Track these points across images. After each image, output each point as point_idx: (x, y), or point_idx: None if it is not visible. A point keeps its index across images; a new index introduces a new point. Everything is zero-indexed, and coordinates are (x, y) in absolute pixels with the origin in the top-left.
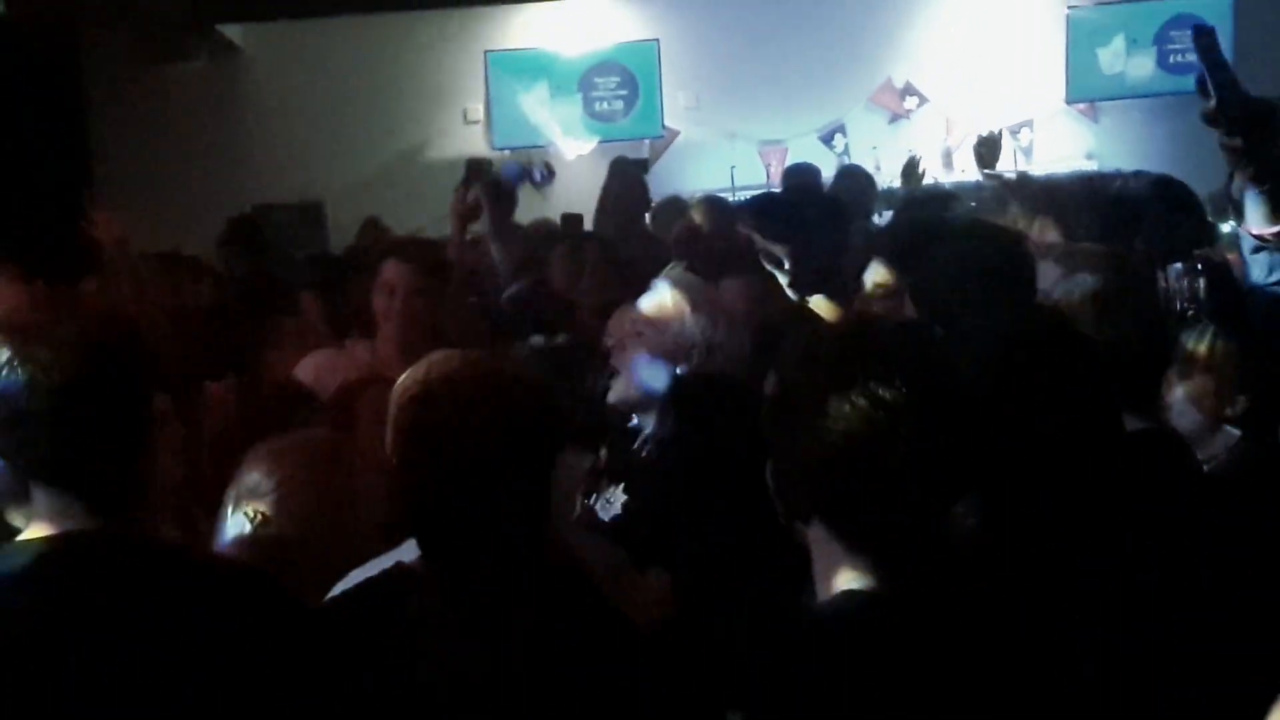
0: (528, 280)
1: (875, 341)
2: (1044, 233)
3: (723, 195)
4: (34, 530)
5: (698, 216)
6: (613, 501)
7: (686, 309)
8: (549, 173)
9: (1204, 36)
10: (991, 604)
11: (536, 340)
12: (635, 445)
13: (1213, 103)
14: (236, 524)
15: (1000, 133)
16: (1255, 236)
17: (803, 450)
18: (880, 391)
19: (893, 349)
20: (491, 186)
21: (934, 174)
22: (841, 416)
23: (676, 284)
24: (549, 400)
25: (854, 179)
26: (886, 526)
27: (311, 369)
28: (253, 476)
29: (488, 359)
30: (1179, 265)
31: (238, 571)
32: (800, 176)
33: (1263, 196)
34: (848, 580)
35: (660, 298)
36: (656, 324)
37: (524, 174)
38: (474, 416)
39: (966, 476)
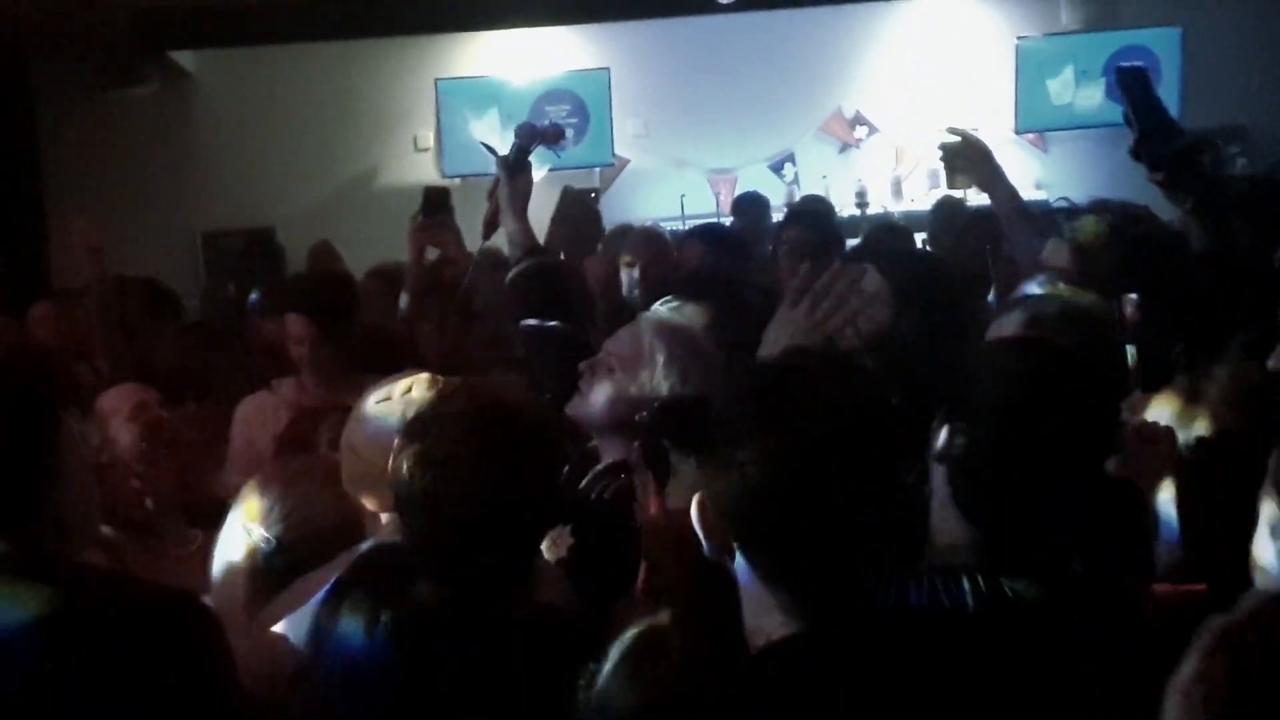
0: (532, 261)
1: (800, 380)
2: (1056, 257)
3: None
4: None
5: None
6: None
7: (661, 355)
8: (560, 131)
9: (1131, 77)
10: (937, 641)
11: (528, 324)
12: (584, 482)
13: (1134, 140)
14: (245, 547)
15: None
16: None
17: (725, 486)
18: (798, 431)
19: (818, 387)
20: (508, 159)
21: (883, 203)
22: (760, 454)
23: (659, 325)
24: (552, 433)
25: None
26: (808, 568)
27: (242, 417)
28: (262, 501)
29: (494, 388)
30: (1135, 296)
31: (151, 592)
32: (749, 206)
33: (1202, 228)
34: (778, 625)
35: (638, 335)
36: (626, 362)
37: (535, 135)
38: (484, 444)
39: (895, 516)
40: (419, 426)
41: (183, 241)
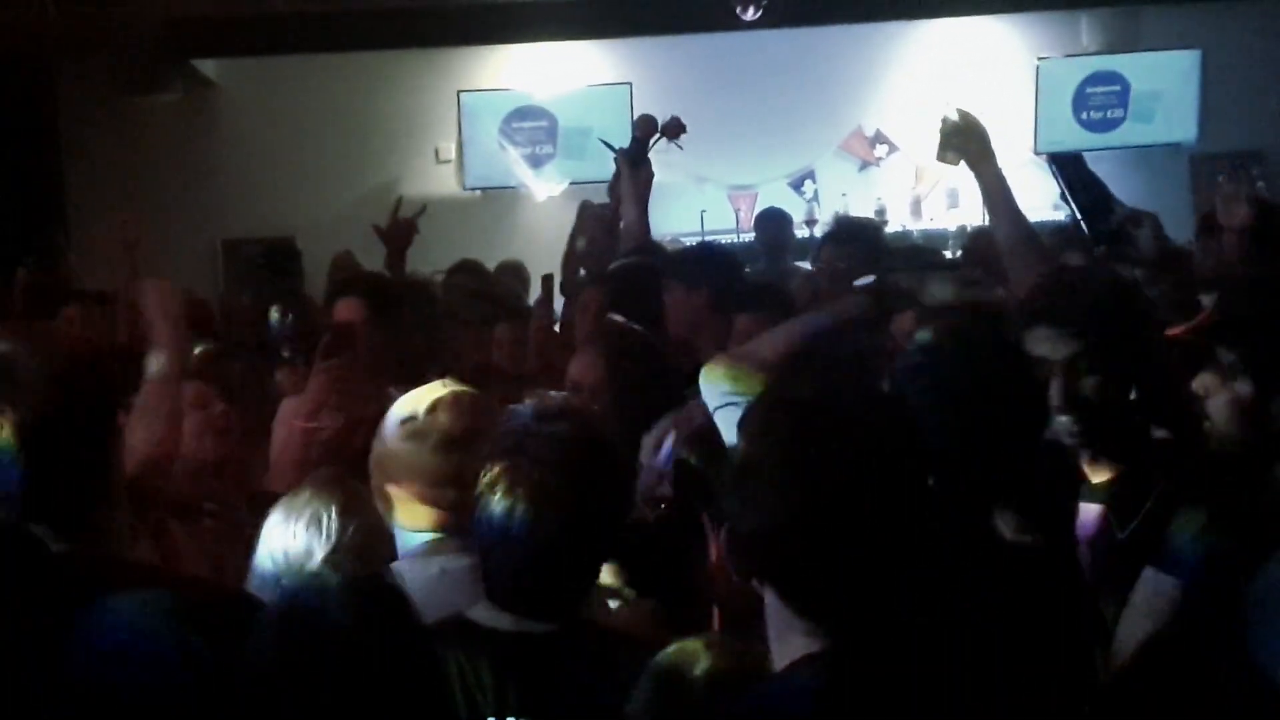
0: (635, 259)
1: (827, 412)
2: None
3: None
4: None
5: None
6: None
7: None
8: (679, 125)
9: (1065, 162)
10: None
11: (614, 319)
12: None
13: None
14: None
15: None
16: (1168, 337)
17: (752, 517)
18: (826, 466)
19: (845, 420)
20: (628, 152)
21: (902, 222)
22: (787, 487)
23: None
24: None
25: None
26: (833, 596)
27: (283, 418)
28: (292, 544)
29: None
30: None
31: (212, 589)
32: (771, 221)
33: (1165, 297)
34: (800, 645)
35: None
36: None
37: (654, 127)
38: (582, 467)
39: (920, 546)
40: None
41: (203, 249)
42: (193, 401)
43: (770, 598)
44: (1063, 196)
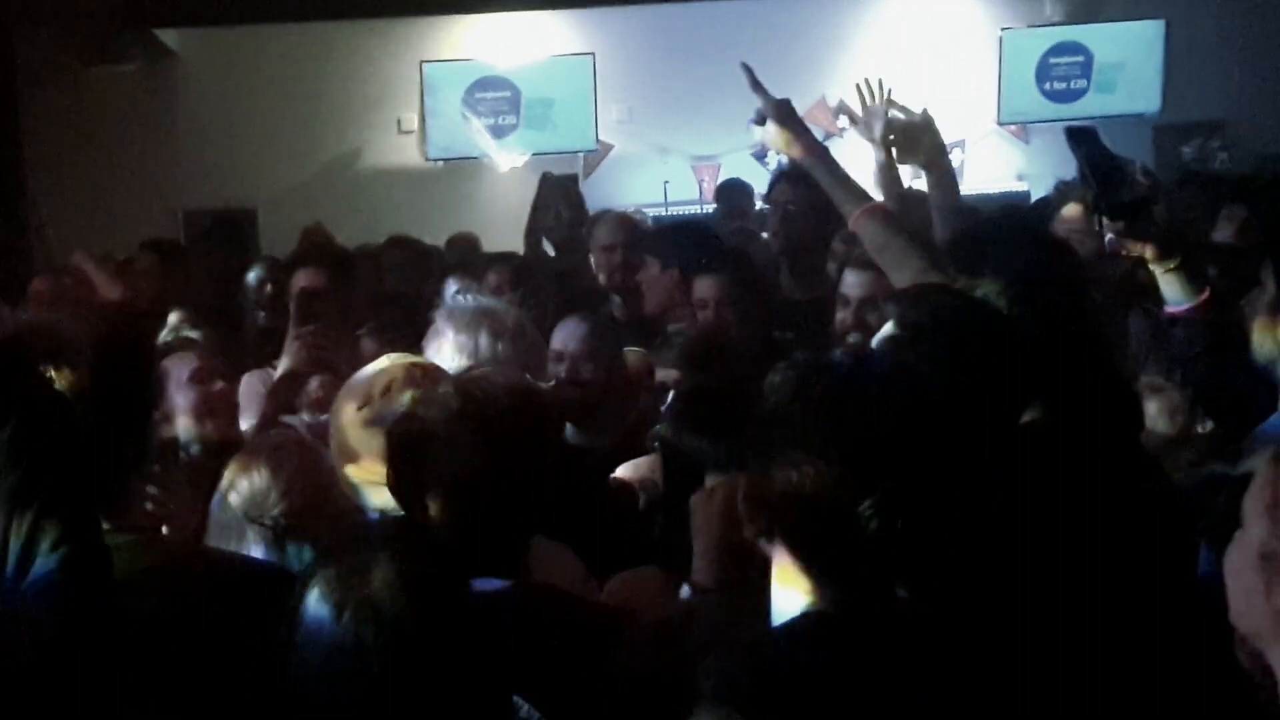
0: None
1: (863, 385)
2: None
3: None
4: None
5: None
6: None
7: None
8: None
9: (1082, 135)
10: (957, 619)
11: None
12: None
13: (1091, 195)
14: (252, 538)
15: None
16: (1170, 315)
17: (774, 480)
18: (860, 437)
19: (879, 393)
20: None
21: None
22: (816, 445)
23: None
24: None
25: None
26: (848, 556)
27: (245, 392)
28: (253, 483)
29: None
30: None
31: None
32: (732, 192)
33: (1172, 275)
34: (801, 601)
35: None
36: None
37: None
38: (465, 428)
39: (931, 506)
40: (411, 411)
41: (165, 220)
42: (191, 377)
43: (781, 555)
44: (1081, 170)
